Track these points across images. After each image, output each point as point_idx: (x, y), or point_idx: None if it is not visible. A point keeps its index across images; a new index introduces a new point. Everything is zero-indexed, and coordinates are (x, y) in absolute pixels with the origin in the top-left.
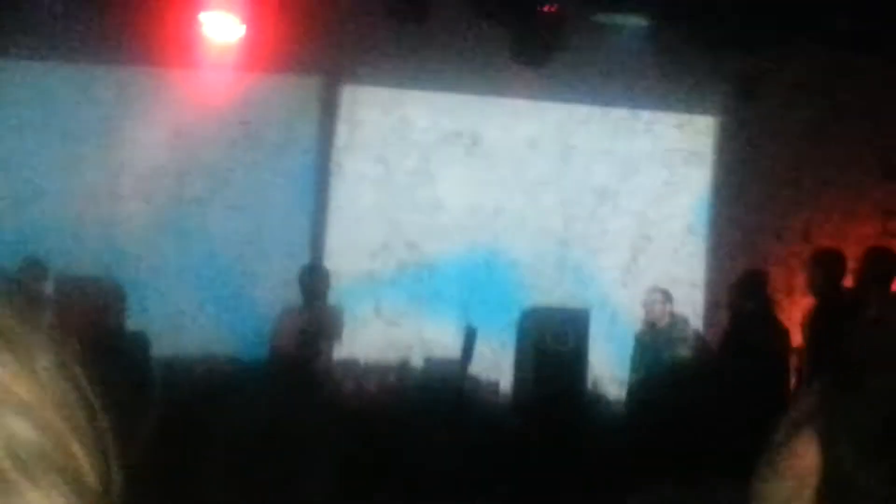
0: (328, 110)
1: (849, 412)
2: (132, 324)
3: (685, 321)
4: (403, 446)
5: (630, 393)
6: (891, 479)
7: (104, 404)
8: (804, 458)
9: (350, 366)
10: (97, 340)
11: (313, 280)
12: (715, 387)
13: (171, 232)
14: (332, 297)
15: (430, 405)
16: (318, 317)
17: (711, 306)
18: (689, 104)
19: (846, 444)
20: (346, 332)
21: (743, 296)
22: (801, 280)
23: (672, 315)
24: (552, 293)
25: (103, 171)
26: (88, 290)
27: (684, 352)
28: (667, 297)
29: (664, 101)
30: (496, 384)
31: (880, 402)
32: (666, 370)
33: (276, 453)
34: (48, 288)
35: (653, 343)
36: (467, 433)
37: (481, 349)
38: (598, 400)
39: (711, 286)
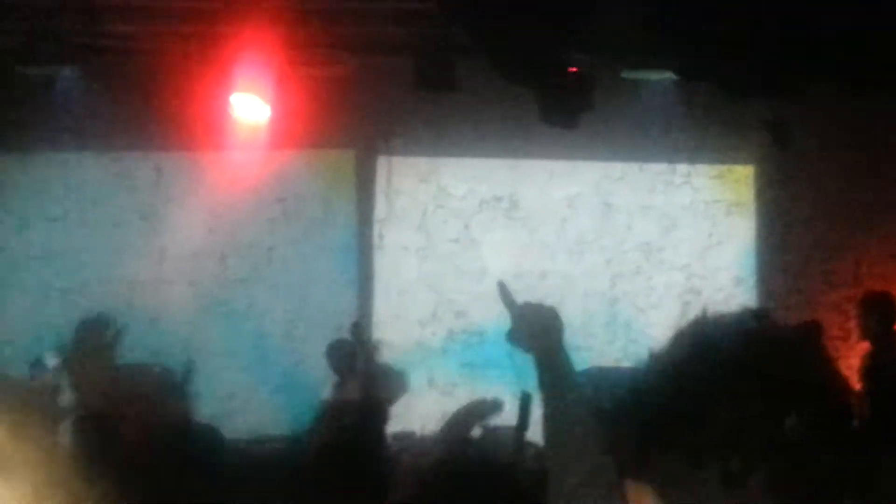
0: (365, 183)
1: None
2: (185, 410)
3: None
4: None
5: None
6: None
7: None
8: None
9: (405, 438)
10: (155, 428)
11: (340, 355)
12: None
13: (217, 314)
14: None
15: (489, 475)
16: (359, 389)
17: None
18: (726, 154)
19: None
20: (400, 405)
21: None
22: (854, 324)
23: None
24: (604, 353)
25: (146, 257)
26: (142, 378)
27: None
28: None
29: (700, 153)
30: None
31: None
32: None
33: None
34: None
35: None
36: (529, 501)
37: (538, 415)
38: None
39: None
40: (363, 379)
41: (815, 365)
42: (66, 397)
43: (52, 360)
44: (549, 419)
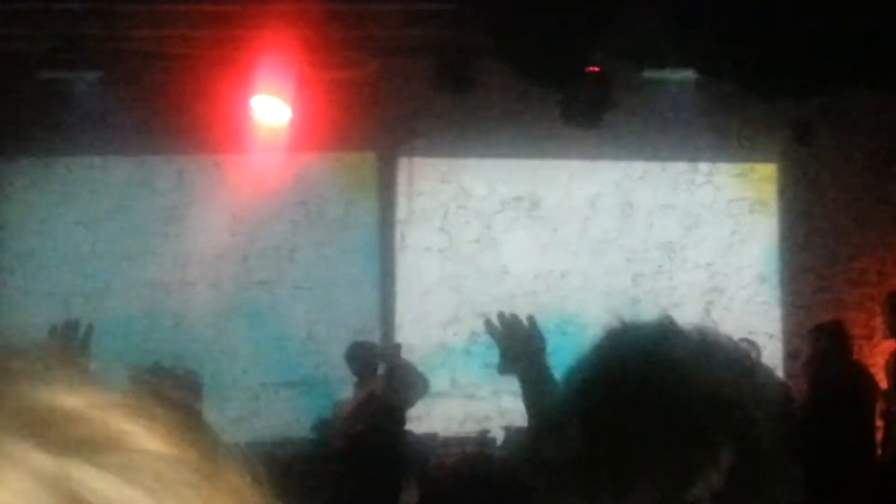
0: (386, 185)
1: None
2: (208, 411)
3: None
4: None
5: None
6: None
7: None
8: None
9: (429, 440)
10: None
11: (359, 357)
12: (803, 437)
13: (240, 315)
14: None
15: (511, 476)
16: (384, 387)
17: (789, 356)
18: (748, 153)
19: None
20: (424, 406)
21: (822, 344)
22: (879, 322)
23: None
24: None
25: (169, 259)
26: (165, 381)
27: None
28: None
29: (722, 152)
30: None
31: None
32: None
33: None
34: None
35: None
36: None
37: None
38: None
39: (788, 336)
40: (381, 382)
41: (753, 383)
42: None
43: None
44: (535, 431)
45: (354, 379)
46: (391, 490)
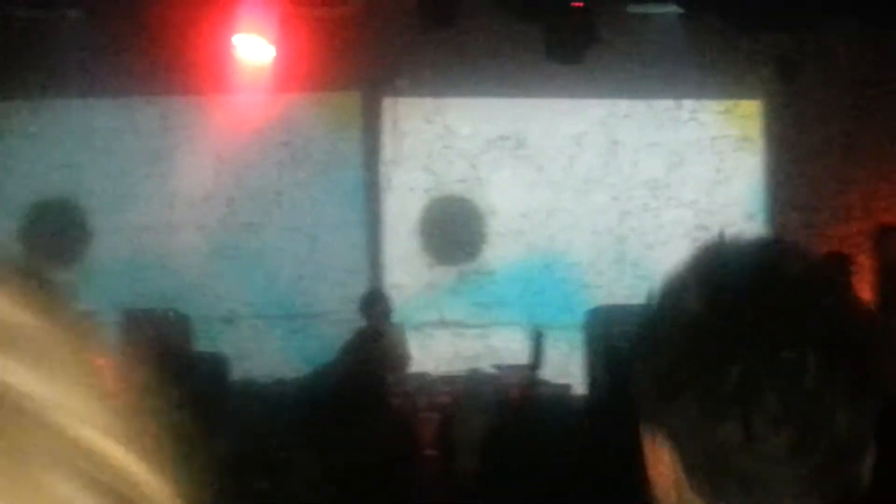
0: (371, 124)
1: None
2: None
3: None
4: (480, 454)
5: None
6: None
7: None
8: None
9: (419, 378)
10: (166, 371)
11: (374, 306)
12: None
13: (227, 258)
14: (395, 317)
15: (503, 412)
16: (385, 340)
17: None
18: (732, 89)
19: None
20: (413, 345)
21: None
22: (866, 258)
23: None
24: (613, 291)
25: (155, 202)
26: (154, 323)
27: None
28: None
29: (706, 89)
30: (568, 386)
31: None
32: None
33: (351, 470)
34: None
35: None
36: (543, 437)
37: (550, 352)
38: None
39: None
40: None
41: (841, 299)
42: None
43: None
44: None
45: (361, 323)
46: (388, 429)
